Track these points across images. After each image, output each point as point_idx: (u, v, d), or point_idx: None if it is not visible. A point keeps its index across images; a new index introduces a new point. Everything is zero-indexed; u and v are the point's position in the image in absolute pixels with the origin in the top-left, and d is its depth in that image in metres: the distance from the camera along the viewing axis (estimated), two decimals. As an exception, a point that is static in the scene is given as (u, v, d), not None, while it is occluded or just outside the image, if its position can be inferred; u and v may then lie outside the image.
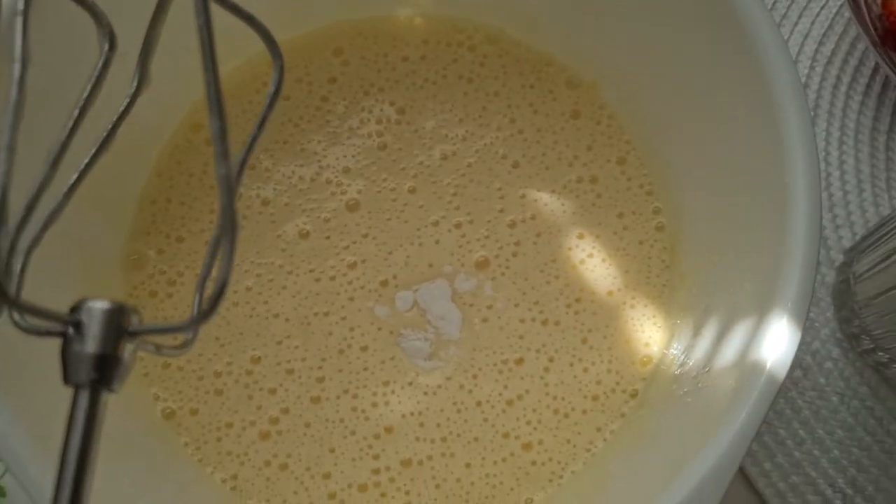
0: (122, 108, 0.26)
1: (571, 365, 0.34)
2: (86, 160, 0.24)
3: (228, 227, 0.19)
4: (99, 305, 0.19)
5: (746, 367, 0.25)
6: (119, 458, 0.28)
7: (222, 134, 0.19)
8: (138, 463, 0.31)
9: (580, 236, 0.35)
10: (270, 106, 0.24)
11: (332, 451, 0.33)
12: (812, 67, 0.43)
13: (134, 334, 0.19)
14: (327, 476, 0.33)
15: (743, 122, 0.30)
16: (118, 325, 0.19)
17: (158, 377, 0.34)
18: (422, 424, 0.34)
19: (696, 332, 0.31)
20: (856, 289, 0.37)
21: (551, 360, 0.34)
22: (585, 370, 0.34)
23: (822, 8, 0.45)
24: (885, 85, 0.43)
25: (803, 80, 0.43)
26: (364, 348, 0.34)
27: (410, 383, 0.34)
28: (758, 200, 0.29)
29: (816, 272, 0.25)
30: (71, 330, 0.19)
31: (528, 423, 0.34)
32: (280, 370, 0.34)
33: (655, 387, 0.33)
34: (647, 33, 0.33)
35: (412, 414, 0.34)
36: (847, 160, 0.42)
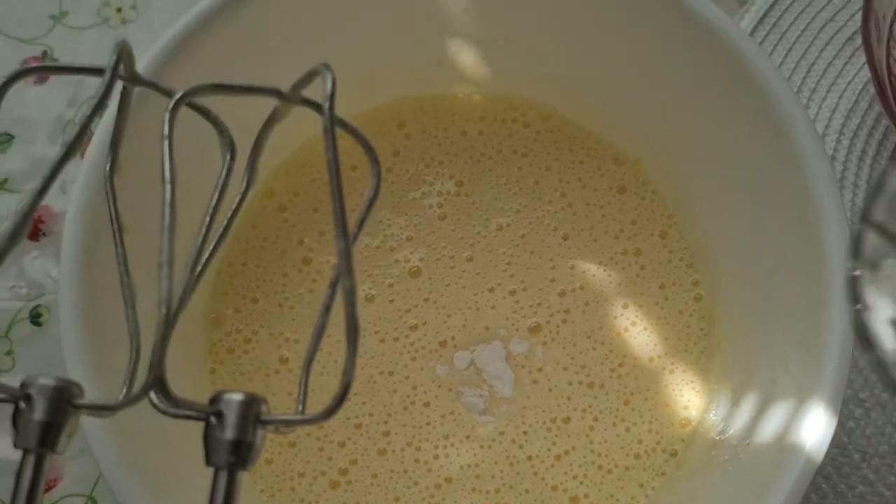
0: (234, 206, 0.29)
1: (614, 425, 0.37)
2: (206, 255, 0.27)
3: (352, 332, 0.23)
4: (236, 398, 0.22)
5: (786, 447, 0.28)
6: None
7: (347, 253, 0.22)
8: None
9: (624, 306, 0.38)
10: (369, 208, 0.27)
11: (397, 499, 0.36)
12: (839, 141, 0.46)
13: (265, 423, 0.22)
14: (392, 523, 0.36)
15: (778, 213, 0.33)
16: (252, 414, 0.22)
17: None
18: (478, 476, 0.37)
19: (735, 402, 0.34)
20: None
21: (596, 419, 0.37)
22: (628, 430, 0.37)
23: (849, 84, 0.48)
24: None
25: (830, 152, 0.45)
26: (426, 404, 0.37)
27: (468, 437, 0.37)
28: (791, 285, 0.32)
29: (851, 364, 0.28)
30: (213, 419, 0.22)
31: (575, 477, 0.37)
32: (349, 424, 0.37)
33: (694, 449, 0.36)
34: (691, 122, 0.36)
35: (469, 466, 0.37)
36: (871, 231, 0.45)
